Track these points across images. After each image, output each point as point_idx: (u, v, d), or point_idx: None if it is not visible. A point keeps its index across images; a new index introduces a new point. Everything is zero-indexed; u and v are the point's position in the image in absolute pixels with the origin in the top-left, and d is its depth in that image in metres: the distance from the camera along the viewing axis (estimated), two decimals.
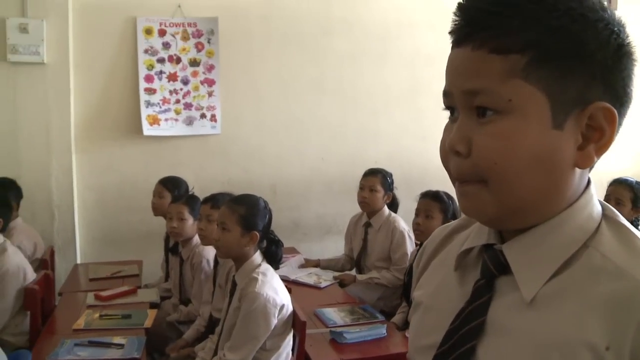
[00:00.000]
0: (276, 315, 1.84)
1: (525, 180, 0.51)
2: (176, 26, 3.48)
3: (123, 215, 3.46)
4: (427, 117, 3.77)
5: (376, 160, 3.53)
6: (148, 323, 2.19)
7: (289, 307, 1.90)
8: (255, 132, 3.67)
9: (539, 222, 0.54)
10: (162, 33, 3.46)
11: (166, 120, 3.49)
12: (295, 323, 1.91)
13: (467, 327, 0.55)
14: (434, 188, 2.51)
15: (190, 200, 2.64)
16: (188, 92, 3.52)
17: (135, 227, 3.44)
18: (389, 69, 3.85)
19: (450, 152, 0.54)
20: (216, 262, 2.45)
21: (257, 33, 3.62)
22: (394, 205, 3.05)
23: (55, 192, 3.29)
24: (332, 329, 2.09)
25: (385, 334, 2.09)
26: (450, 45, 0.55)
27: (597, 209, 0.56)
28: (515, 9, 0.50)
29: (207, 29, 3.52)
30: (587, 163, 0.53)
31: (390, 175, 3.02)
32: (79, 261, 3.35)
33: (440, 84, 0.56)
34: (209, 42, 3.52)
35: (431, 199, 2.43)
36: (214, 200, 2.34)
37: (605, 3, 0.52)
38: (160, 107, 3.48)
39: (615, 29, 0.51)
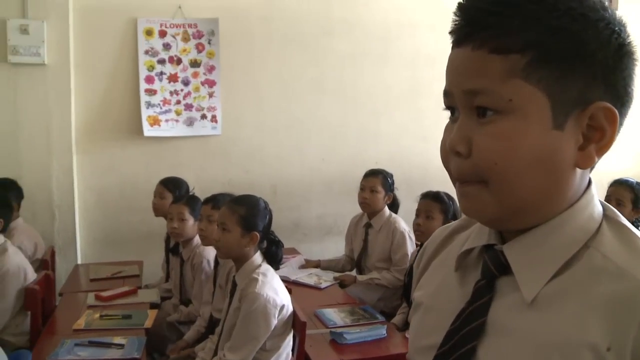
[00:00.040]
0: (276, 315, 1.84)
1: (525, 180, 0.51)
2: (177, 27, 3.49)
3: (124, 216, 3.46)
4: (428, 117, 3.77)
5: (377, 160, 3.53)
6: (148, 323, 2.19)
7: (289, 308, 1.90)
8: (255, 133, 3.67)
9: (540, 223, 0.54)
10: (162, 34, 3.46)
11: (167, 121, 3.49)
12: (295, 323, 1.91)
13: (468, 327, 0.55)
14: (435, 189, 2.51)
15: (191, 201, 2.64)
16: (189, 93, 3.52)
17: (136, 228, 3.44)
18: (390, 69, 3.85)
19: (450, 153, 0.54)
20: (216, 262, 2.45)
21: (258, 34, 3.62)
22: (394, 206, 3.05)
23: (56, 193, 3.29)
24: (332, 330, 2.09)
25: (386, 335, 2.09)
26: (451, 45, 0.55)
27: (598, 209, 0.55)
28: (516, 8, 0.50)
29: (207, 29, 3.52)
30: (587, 163, 0.53)
31: (391, 176, 3.02)
32: (79, 261, 3.35)
33: (441, 84, 0.56)
34: (209, 43, 3.53)
35: (432, 200, 2.43)
36: (215, 200, 2.34)
37: (606, 3, 0.52)
38: (161, 108, 3.48)
39: (616, 28, 0.51)
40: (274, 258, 1.99)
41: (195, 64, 3.52)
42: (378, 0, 3.81)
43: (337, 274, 2.91)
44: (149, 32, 3.45)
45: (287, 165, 3.74)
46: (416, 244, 2.77)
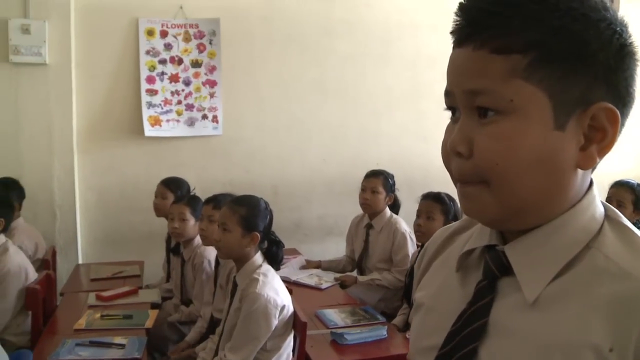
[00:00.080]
0: (277, 316, 1.84)
1: (526, 181, 0.51)
2: (178, 27, 3.49)
3: (124, 216, 3.46)
4: (429, 118, 3.77)
5: (377, 161, 3.53)
6: (149, 323, 2.19)
7: (289, 308, 1.90)
8: (256, 133, 3.68)
9: (541, 223, 0.54)
10: (163, 34, 3.47)
11: (168, 121, 3.49)
12: (296, 324, 1.91)
13: (469, 328, 0.55)
14: (436, 189, 2.51)
15: (192, 201, 2.64)
16: (190, 93, 3.52)
17: (137, 228, 3.45)
18: (391, 70, 3.85)
19: (451, 153, 0.54)
20: (217, 262, 2.45)
21: (259, 34, 3.62)
22: (395, 207, 3.05)
23: (57, 193, 3.29)
24: (333, 330, 2.09)
25: (386, 336, 2.09)
26: (452, 45, 0.55)
27: (600, 210, 0.55)
28: (517, 9, 0.50)
29: (208, 30, 3.52)
30: (589, 164, 0.53)
31: (392, 176, 3.02)
32: (80, 261, 3.35)
33: (442, 85, 0.56)
34: (210, 43, 3.53)
35: (432, 201, 2.43)
36: (216, 200, 2.34)
37: (608, 3, 0.52)
38: (162, 108, 3.48)
39: (618, 28, 0.51)
40: (274, 258, 1.99)
41: (196, 64, 3.52)
42: (379, 1, 3.81)
43: (337, 275, 2.91)
44: (150, 32, 3.45)
45: (288, 166, 3.75)
46: (417, 244, 2.77)
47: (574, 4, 0.50)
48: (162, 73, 3.48)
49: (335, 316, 2.27)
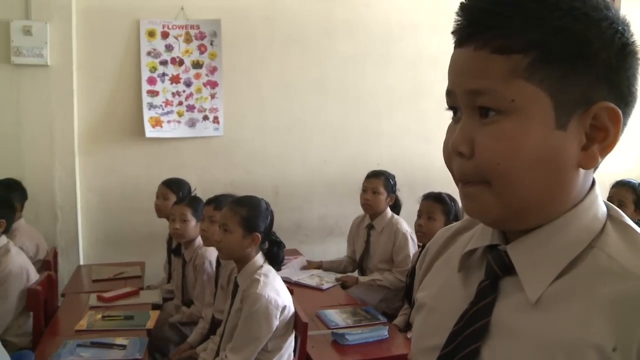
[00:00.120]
0: (278, 316, 1.84)
1: (528, 181, 0.51)
2: (179, 28, 3.49)
3: (126, 217, 3.47)
4: (430, 118, 3.77)
5: (378, 162, 3.53)
6: (150, 324, 2.19)
7: (290, 309, 1.90)
8: (257, 134, 3.68)
9: (544, 223, 0.54)
10: (165, 35, 3.47)
11: (169, 122, 3.50)
12: (297, 324, 1.91)
13: (471, 328, 0.55)
14: (437, 190, 2.51)
15: (193, 202, 2.64)
16: (191, 94, 3.52)
17: (138, 229, 3.45)
18: (392, 70, 3.86)
19: (453, 153, 0.54)
20: (218, 263, 2.45)
21: (260, 35, 3.63)
22: (396, 207, 3.05)
23: (58, 194, 3.30)
24: (334, 331, 2.09)
25: (387, 336, 2.09)
26: (453, 45, 0.55)
27: (602, 209, 0.55)
28: (518, 8, 0.50)
29: (209, 31, 3.53)
30: (591, 163, 0.52)
31: (393, 177, 3.02)
32: (81, 262, 3.36)
33: (443, 85, 0.56)
34: (211, 44, 3.53)
35: (433, 201, 2.43)
36: (217, 201, 2.34)
37: (609, 2, 0.52)
38: (163, 109, 3.49)
39: (620, 28, 0.51)
40: (275, 259, 1.99)
41: (197, 65, 3.53)
42: (380, 1, 3.81)
43: (338, 275, 2.91)
44: (151, 34, 3.45)
45: (289, 166, 3.75)
46: (418, 245, 2.77)
47: (575, 4, 0.50)
48: (163, 74, 3.48)
49: (336, 316, 2.27)
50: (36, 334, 2.24)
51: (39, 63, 3.18)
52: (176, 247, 2.78)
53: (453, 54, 0.55)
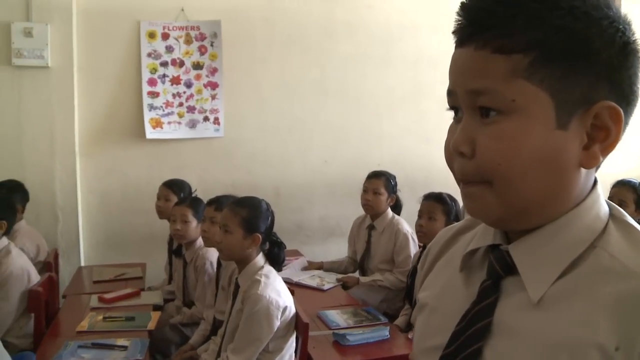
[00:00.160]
0: (279, 317, 1.84)
1: (529, 181, 0.51)
2: (179, 29, 3.50)
3: (126, 218, 3.47)
4: (430, 119, 3.77)
5: (379, 162, 3.53)
6: (151, 325, 2.19)
7: (291, 309, 1.90)
8: (258, 135, 3.68)
9: (545, 223, 0.54)
10: (165, 36, 3.47)
11: (169, 123, 3.50)
12: (298, 325, 1.91)
13: (474, 328, 0.54)
14: (437, 190, 2.51)
15: (194, 203, 2.64)
16: (191, 95, 3.53)
17: (139, 230, 3.45)
18: (392, 71, 3.86)
19: (454, 153, 0.54)
20: (219, 264, 2.45)
21: (260, 36, 3.63)
22: (397, 208, 3.05)
23: (59, 195, 3.30)
24: (335, 331, 2.09)
25: (388, 336, 2.09)
26: (454, 45, 0.55)
27: (605, 209, 0.55)
28: (518, 8, 0.49)
29: (210, 32, 3.53)
30: (592, 163, 0.52)
31: (394, 177, 3.02)
32: (82, 264, 3.36)
33: (443, 86, 0.56)
34: (212, 45, 3.53)
35: (434, 201, 2.43)
36: (218, 202, 2.34)
37: (610, 0, 0.52)
38: (163, 111, 3.49)
39: (621, 26, 0.51)
40: (276, 260, 1.99)
41: (197, 66, 3.53)
42: (380, 2, 3.81)
43: (339, 276, 2.90)
44: (151, 35, 3.46)
45: (289, 167, 3.75)
46: (419, 245, 2.77)
47: (575, 3, 0.50)
48: (164, 75, 3.48)
49: (337, 317, 2.27)
50: (37, 335, 2.24)
51: (40, 65, 3.19)
52: (177, 248, 2.78)
53: (454, 54, 0.55)
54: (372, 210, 2.96)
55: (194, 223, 2.59)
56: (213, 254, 2.52)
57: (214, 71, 3.55)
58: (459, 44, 0.54)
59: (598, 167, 0.55)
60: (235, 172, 3.63)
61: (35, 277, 2.41)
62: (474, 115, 0.53)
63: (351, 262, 3.16)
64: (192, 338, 2.37)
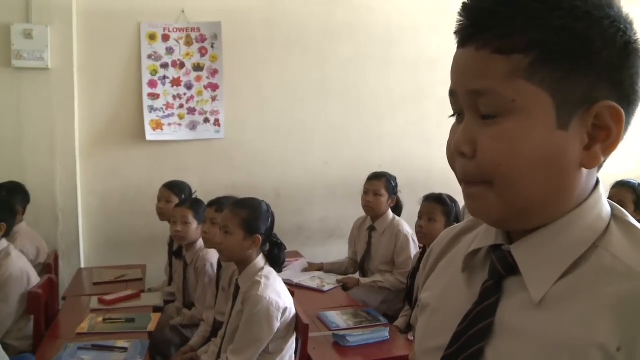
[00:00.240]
0: (279, 318, 1.84)
1: (530, 181, 0.51)
2: (180, 31, 3.50)
3: (127, 220, 3.47)
4: (431, 120, 3.77)
5: (380, 163, 3.53)
6: (151, 327, 2.19)
7: (291, 310, 1.90)
8: (258, 136, 3.68)
9: (547, 223, 0.54)
10: (165, 38, 3.48)
11: (169, 125, 3.50)
12: (298, 326, 1.91)
13: (475, 328, 0.54)
14: (438, 191, 2.51)
15: (195, 204, 2.64)
16: (192, 97, 3.53)
17: (139, 231, 3.45)
18: (392, 72, 3.86)
19: (455, 153, 0.54)
20: (219, 265, 2.45)
21: (261, 37, 3.63)
22: (397, 209, 3.05)
23: (59, 197, 3.30)
24: (335, 332, 2.09)
25: (388, 337, 2.09)
26: (456, 45, 0.55)
27: (607, 209, 0.55)
28: (518, 8, 0.49)
29: (210, 33, 3.53)
30: (593, 163, 0.52)
31: (395, 178, 3.01)
32: (82, 265, 3.35)
33: (444, 87, 0.56)
34: (212, 46, 3.54)
35: (434, 202, 2.43)
36: (219, 203, 2.34)
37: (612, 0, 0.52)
38: (164, 112, 3.49)
39: (622, 26, 0.51)
40: (276, 261, 1.99)
41: (198, 67, 3.53)
42: (380, 3, 3.81)
43: (340, 277, 2.90)
44: (152, 37, 3.46)
45: (290, 168, 3.75)
46: (419, 246, 2.77)
47: (576, 2, 0.49)
48: (164, 77, 3.49)
49: (337, 318, 2.27)
50: (37, 337, 2.23)
51: (40, 66, 3.19)
52: (177, 250, 2.78)
53: (455, 54, 0.55)
54: (372, 211, 2.96)
55: (194, 224, 2.58)
56: (213, 256, 2.52)
57: (214, 73, 3.55)
58: (461, 44, 0.54)
59: (600, 167, 0.55)
60: (236, 173, 3.63)
61: (35, 279, 2.41)
62: (475, 115, 0.53)
63: (351, 263, 3.16)
64: (192, 339, 2.37)
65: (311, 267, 3.08)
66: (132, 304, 2.48)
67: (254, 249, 1.92)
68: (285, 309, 1.86)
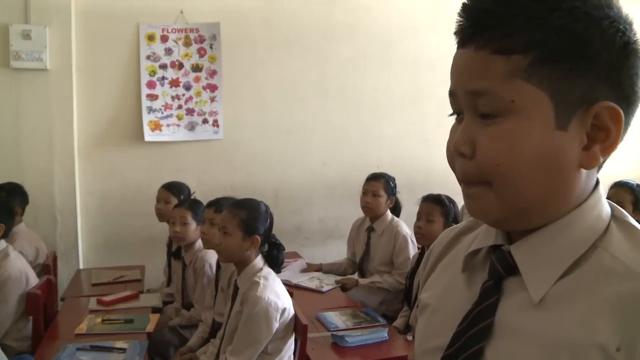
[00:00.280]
0: (278, 319, 1.84)
1: (529, 181, 0.51)
2: (178, 32, 3.50)
3: (125, 220, 3.46)
4: (430, 120, 3.77)
5: (378, 164, 3.54)
6: (150, 327, 2.19)
7: (290, 311, 1.90)
8: (257, 137, 3.68)
9: (547, 223, 0.54)
10: (164, 39, 3.48)
11: (168, 126, 3.50)
12: (297, 327, 1.91)
13: (475, 328, 0.54)
14: (437, 192, 2.51)
15: (193, 205, 2.64)
16: (190, 98, 3.53)
17: (138, 232, 3.44)
18: (391, 72, 3.86)
19: (455, 154, 0.54)
20: (218, 266, 2.45)
21: (259, 38, 3.63)
22: (396, 210, 3.05)
23: (58, 197, 3.29)
24: (334, 333, 2.09)
25: (387, 338, 2.09)
26: (455, 46, 0.55)
27: (606, 209, 0.55)
28: (518, 8, 0.49)
29: (209, 34, 3.53)
30: (592, 164, 0.52)
31: (393, 179, 3.02)
32: (81, 266, 3.35)
33: (443, 87, 0.57)
34: (211, 47, 3.54)
35: (432, 203, 2.43)
36: (218, 204, 2.34)
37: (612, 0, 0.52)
38: (162, 113, 3.49)
39: (621, 26, 0.51)
40: (275, 261, 1.99)
41: (196, 68, 3.53)
42: (380, 4, 3.82)
43: (338, 278, 2.91)
44: (150, 37, 3.46)
45: (289, 169, 3.75)
46: (417, 247, 2.77)
47: (576, 3, 0.50)
48: (163, 78, 3.48)
49: (336, 319, 2.27)
50: (35, 338, 2.23)
51: (39, 67, 3.18)
52: (176, 250, 2.78)
53: (455, 54, 0.55)
54: (371, 212, 2.96)
55: (193, 225, 2.58)
56: (212, 256, 2.51)
57: (213, 73, 3.55)
58: (460, 44, 0.54)
59: (600, 167, 0.55)
60: (235, 174, 3.63)
61: (34, 280, 2.40)
62: (474, 115, 0.53)
63: (350, 264, 3.16)
64: (190, 340, 2.37)
65: (310, 268, 3.08)
66: (130, 304, 2.48)
67: (252, 250, 1.92)
68: (284, 310, 1.86)
